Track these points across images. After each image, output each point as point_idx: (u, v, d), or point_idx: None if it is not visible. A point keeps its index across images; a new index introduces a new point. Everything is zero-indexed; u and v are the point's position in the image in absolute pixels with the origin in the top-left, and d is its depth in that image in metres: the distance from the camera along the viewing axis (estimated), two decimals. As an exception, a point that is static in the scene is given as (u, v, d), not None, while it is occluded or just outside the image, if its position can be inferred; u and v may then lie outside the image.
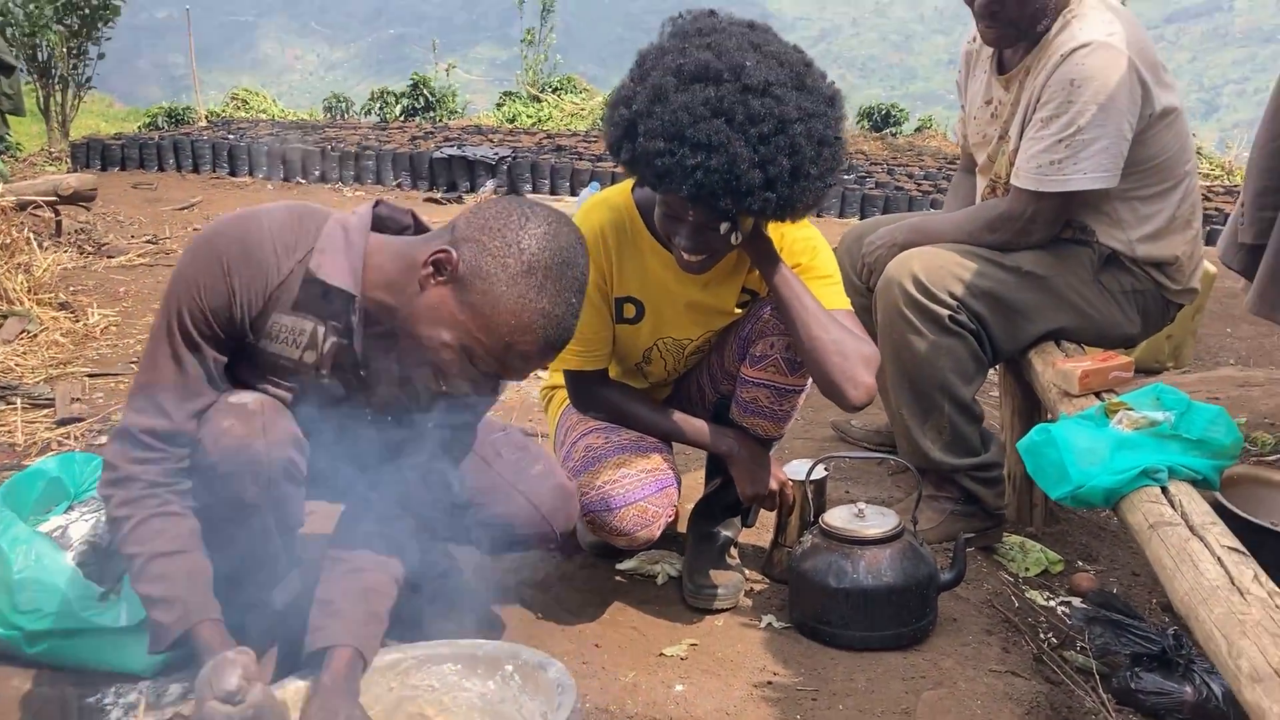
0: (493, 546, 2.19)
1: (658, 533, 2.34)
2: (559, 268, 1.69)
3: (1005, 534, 2.85)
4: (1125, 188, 2.62)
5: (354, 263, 1.78)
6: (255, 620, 1.94)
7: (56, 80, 11.23)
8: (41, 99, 11.20)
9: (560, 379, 2.55)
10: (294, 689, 1.80)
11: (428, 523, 2.02)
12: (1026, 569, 2.74)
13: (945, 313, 2.59)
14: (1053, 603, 2.60)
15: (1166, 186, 2.68)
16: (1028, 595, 2.61)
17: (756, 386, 2.37)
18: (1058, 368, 2.44)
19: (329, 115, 13.66)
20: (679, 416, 2.43)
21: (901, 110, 13.56)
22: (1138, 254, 2.69)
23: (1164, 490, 1.98)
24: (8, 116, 9.01)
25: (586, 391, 2.46)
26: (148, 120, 12.78)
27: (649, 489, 2.30)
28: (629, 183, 2.36)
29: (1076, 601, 2.58)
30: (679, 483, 2.41)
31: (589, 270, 1.78)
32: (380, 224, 1.89)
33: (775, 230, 2.27)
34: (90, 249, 6.05)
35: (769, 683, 2.16)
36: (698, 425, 2.43)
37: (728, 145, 1.94)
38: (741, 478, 2.40)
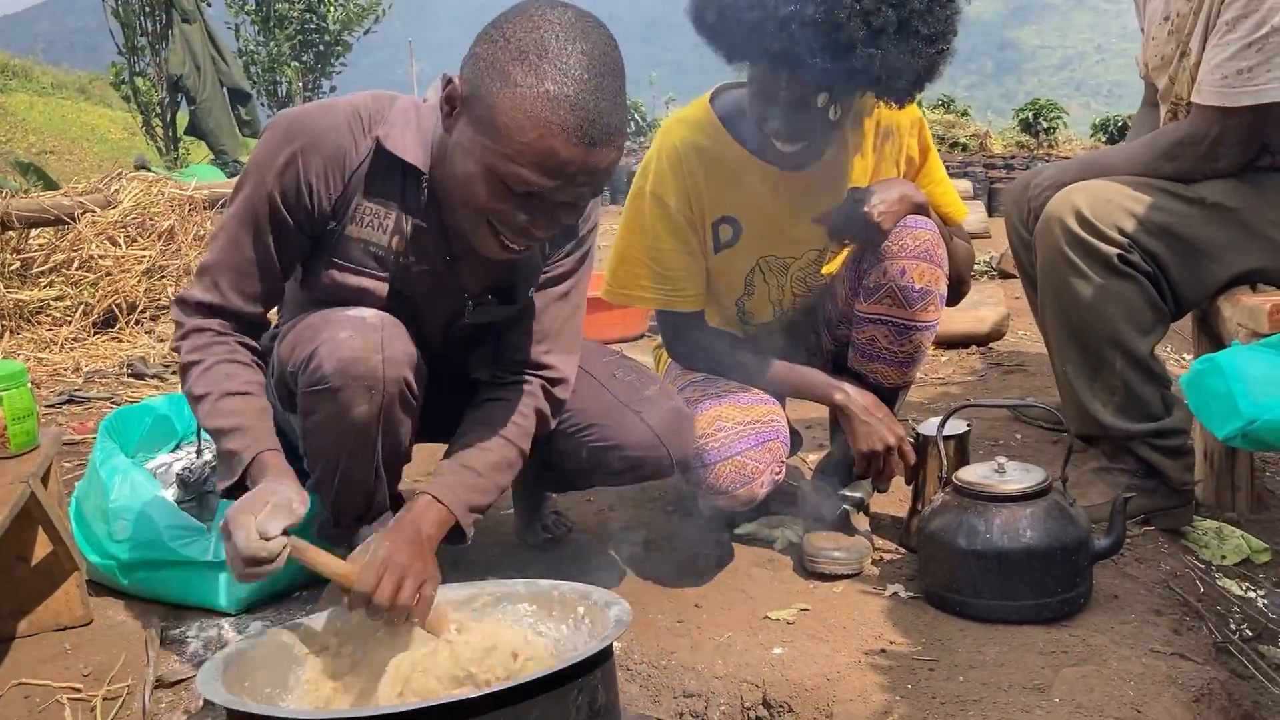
0: (608, 472, 2.01)
1: (761, 491, 2.10)
2: (558, 43, 1.49)
3: (1200, 518, 2.47)
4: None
5: (424, 137, 1.71)
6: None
7: (294, 114, 12.06)
8: (281, 131, 12.03)
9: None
10: None
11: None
12: (1223, 556, 2.35)
13: (1114, 252, 2.25)
14: (1251, 594, 2.21)
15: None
16: (1221, 584, 2.23)
17: (872, 324, 2.12)
18: (1242, 304, 2.07)
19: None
20: (784, 365, 2.20)
21: (1137, 119, 12.49)
22: (1350, 180, 2.27)
23: (1364, 426, 1.61)
24: (246, 141, 9.69)
25: (683, 337, 2.27)
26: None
27: (748, 442, 2.07)
28: (705, 96, 2.18)
29: (1282, 592, 2.19)
30: (789, 437, 2.18)
31: (612, 45, 1.55)
32: None
33: (890, 118, 2.08)
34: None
35: (882, 650, 1.90)
36: (805, 373, 2.20)
37: None
38: (853, 432, 2.13)
